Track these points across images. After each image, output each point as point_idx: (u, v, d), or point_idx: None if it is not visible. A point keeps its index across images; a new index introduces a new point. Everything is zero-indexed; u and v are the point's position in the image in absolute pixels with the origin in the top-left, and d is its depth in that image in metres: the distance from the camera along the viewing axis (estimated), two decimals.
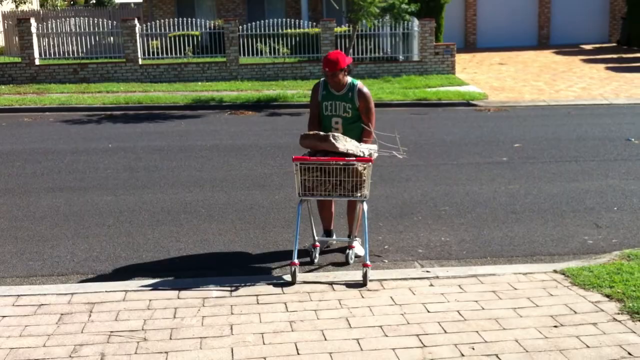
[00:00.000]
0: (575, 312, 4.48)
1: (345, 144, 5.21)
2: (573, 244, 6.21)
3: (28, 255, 6.04)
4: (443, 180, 8.53)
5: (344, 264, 5.74)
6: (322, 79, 5.80)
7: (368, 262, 5.11)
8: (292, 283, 5.07)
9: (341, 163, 5.12)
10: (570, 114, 14.12)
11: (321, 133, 5.26)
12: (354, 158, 5.14)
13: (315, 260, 5.75)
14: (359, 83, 5.70)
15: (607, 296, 4.71)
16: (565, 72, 20.28)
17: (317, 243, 5.80)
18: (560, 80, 18.75)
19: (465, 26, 28.47)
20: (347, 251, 5.71)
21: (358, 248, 5.88)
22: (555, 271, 5.26)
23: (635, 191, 7.88)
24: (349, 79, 5.65)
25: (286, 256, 5.94)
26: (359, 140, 5.61)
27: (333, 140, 5.14)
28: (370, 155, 5.32)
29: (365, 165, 5.13)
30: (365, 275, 5.05)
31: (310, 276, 5.31)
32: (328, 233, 6.09)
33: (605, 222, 6.77)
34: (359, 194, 5.22)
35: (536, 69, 21.28)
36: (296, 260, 5.13)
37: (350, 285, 5.04)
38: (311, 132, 5.32)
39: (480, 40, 28.43)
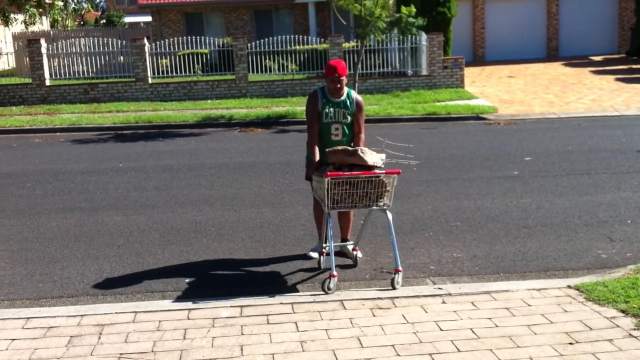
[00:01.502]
0: (591, 329, 4.41)
1: (371, 156, 5.42)
2: (587, 258, 6.13)
3: (38, 277, 6.03)
4: (454, 195, 8.47)
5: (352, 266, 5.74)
6: (317, 87, 6.05)
7: (400, 268, 5.38)
8: (325, 293, 5.23)
9: (373, 176, 5.34)
10: (580, 126, 14.05)
11: (349, 148, 5.44)
12: (384, 171, 5.39)
13: (322, 266, 5.96)
14: (353, 92, 6.02)
15: (623, 311, 4.64)
16: (575, 84, 20.21)
17: (324, 249, 5.97)
18: (570, 92, 18.68)
19: (473, 39, 28.47)
20: (394, 276, 5.44)
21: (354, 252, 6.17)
22: (569, 286, 5.19)
23: None
24: (345, 88, 5.94)
25: (297, 274, 5.91)
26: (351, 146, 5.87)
27: (362, 154, 5.36)
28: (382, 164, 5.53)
29: (393, 177, 5.40)
30: (394, 281, 5.33)
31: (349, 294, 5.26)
32: (344, 241, 6.29)
33: (619, 236, 6.69)
34: (381, 203, 5.45)
35: (545, 81, 21.22)
36: (335, 272, 5.28)
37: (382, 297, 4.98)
38: (340, 148, 5.49)
39: (489, 54, 28.42)
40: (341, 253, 6.30)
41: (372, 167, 5.40)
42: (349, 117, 5.91)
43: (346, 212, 6.13)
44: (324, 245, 6.00)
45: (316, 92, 5.95)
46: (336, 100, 5.88)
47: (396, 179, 5.46)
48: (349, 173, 5.31)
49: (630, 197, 8.13)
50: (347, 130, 5.94)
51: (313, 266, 6.08)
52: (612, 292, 4.93)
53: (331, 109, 5.86)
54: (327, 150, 5.53)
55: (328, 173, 5.28)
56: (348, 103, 5.91)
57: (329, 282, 5.28)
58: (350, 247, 6.20)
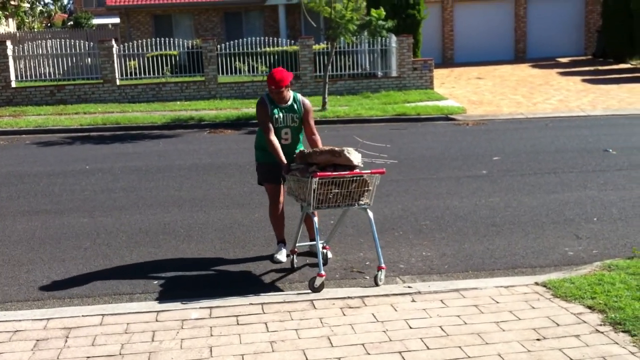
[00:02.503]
0: (558, 325, 4.45)
1: (355, 156, 5.46)
2: (554, 255, 6.20)
3: (3, 281, 5.92)
4: (423, 195, 8.51)
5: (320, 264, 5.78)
6: (263, 94, 6.09)
7: (383, 265, 5.45)
8: (318, 291, 5.25)
9: (358, 176, 5.40)
10: (548, 126, 14.23)
11: (335, 148, 5.42)
12: (369, 171, 5.47)
13: (295, 266, 5.99)
14: (299, 95, 6.14)
15: (589, 307, 4.69)
16: (542, 85, 20.47)
17: (296, 249, 6.01)
18: (538, 94, 18.91)
19: (442, 41, 28.69)
20: (377, 273, 5.48)
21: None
22: (536, 283, 5.24)
23: (614, 201, 7.92)
24: (291, 92, 6.06)
25: (267, 274, 5.88)
26: (305, 146, 6.04)
27: (348, 155, 5.39)
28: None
29: (376, 176, 5.50)
30: (377, 278, 5.44)
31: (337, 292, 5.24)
32: (312, 240, 6.22)
33: (585, 233, 6.78)
34: (363, 202, 5.53)
35: (513, 82, 21.46)
36: (322, 272, 5.28)
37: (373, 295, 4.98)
38: (326, 148, 5.48)
39: (458, 55, 28.66)
40: (310, 252, 6.30)
41: (356, 167, 5.46)
42: (298, 121, 6.05)
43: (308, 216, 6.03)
44: (297, 244, 6.00)
45: (263, 98, 6.02)
46: (284, 106, 5.99)
47: (379, 178, 5.54)
48: (337, 173, 5.35)
49: (596, 195, 8.24)
50: (295, 134, 6.09)
51: (284, 267, 6.06)
52: (579, 289, 4.99)
53: (280, 114, 5.97)
54: (313, 150, 5.53)
55: (318, 173, 5.29)
56: (295, 107, 6.04)
57: (316, 281, 5.26)
58: (320, 247, 6.18)
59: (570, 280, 5.18)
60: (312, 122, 6.12)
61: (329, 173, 5.34)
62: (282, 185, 6.15)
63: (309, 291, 5.30)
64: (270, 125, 5.91)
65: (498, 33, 28.76)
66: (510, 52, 28.96)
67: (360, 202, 5.53)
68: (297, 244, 6.03)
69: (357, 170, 5.44)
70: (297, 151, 5.85)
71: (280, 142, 5.94)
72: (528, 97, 18.34)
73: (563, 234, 6.81)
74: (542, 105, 17.09)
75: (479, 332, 4.39)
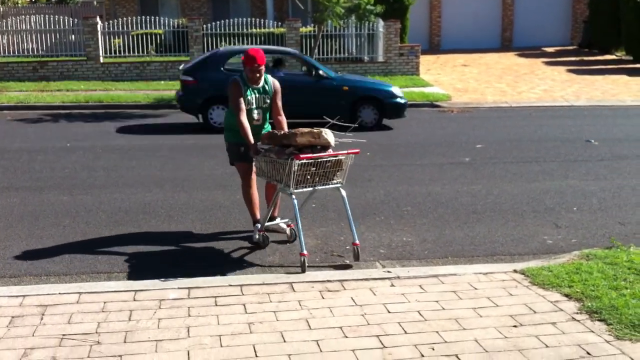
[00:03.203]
0: (535, 312, 4.48)
1: (332, 137, 5.52)
2: (533, 244, 6.24)
3: None
4: (405, 181, 8.52)
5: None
6: (237, 76, 6.06)
7: (357, 242, 5.63)
8: (302, 272, 5.31)
9: (336, 157, 5.51)
10: (531, 115, 14.28)
11: (314, 130, 5.45)
12: (346, 151, 5.56)
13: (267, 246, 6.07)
14: (269, 76, 6.17)
15: (566, 296, 4.72)
16: (527, 74, 20.52)
17: (263, 229, 6.08)
18: (523, 82, 18.96)
19: (430, 28, 28.65)
20: (354, 248, 5.70)
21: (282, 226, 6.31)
22: (515, 271, 5.27)
23: (595, 192, 7.97)
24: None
25: (246, 256, 5.87)
26: (273, 127, 6.11)
27: (326, 136, 5.45)
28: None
29: (350, 156, 5.59)
30: (355, 254, 5.65)
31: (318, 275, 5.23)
32: (273, 218, 6.33)
33: (564, 222, 6.82)
34: (336, 181, 5.66)
35: (499, 71, 21.50)
36: (305, 252, 5.35)
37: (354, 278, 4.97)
38: (306, 130, 5.48)
39: (445, 42, 28.64)
40: (273, 231, 6.31)
41: (331, 147, 5.56)
42: (268, 102, 6.13)
43: (274, 192, 6.17)
44: (266, 224, 6.08)
45: (237, 79, 6.01)
46: (256, 87, 6.03)
47: (353, 158, 5.62)
48: (318, 155, 5.43)
49: (577, 184, 8.29)
50: (265, 114, 6.17)
51: (264, 249, 6.04)
52: (557, 277, 5.02)
53: (253, 95, 6.01)
54: (294, 131, 5.50)
55: (300, 156, 5.33)
56: (267, 88, 6.10)
57: (304, 261, 5.36)
58: (283, 225, 6.28)
59: (549, 269, 5.21)
60: (279, 103, 6.20)
61: (311, 155, 5.38)
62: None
63: (289, 274, 5.30)
64: (243, 106, 5.92)
65: (485, 21, 28.76)
66: (497, 41, 28.99)
67: (334, 182, 5.65)
68: (266, 224, 6.10)
69: (333, 151, 5.54)
70: (263, 132, 5.94)
71: (251, 123, 5.97)
72: (513, 86, 18.39)
73: (543, 222, 6.84)
74: (527, 94, 17.15)
75: (456, 317, 4.41)
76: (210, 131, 12.09)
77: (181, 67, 13.41)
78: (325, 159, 5.47)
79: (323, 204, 7.34)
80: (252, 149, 5.79)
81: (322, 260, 5.81)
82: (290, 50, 14.62)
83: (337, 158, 5.53)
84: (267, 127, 6.22)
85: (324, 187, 5.63)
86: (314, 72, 12.86)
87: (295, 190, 5.48)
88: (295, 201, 5.50)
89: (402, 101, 13.05)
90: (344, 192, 5.65)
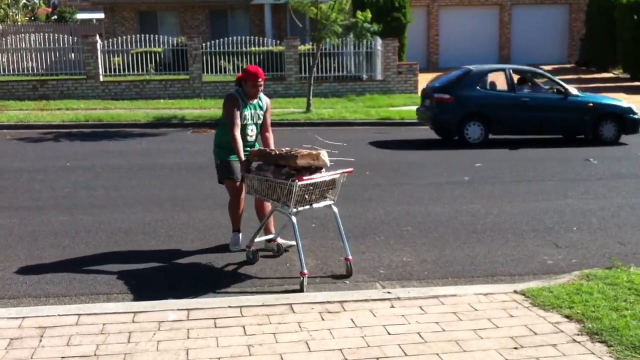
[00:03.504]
0: (535, 333, 4.47)
1: (327, 158, 5.64)
2: (533, 264, 6.23)
3: None
4: (405, 200, 8.53)
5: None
6: (234, 91, 6.19)
7: (350, 257, 5.81)
8: (301, 291, 5.42)
9: (334, 177, 5.70)
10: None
11: (313, 152, 5.55)
12: (341, 171, 5.75)
13: (257, 261, 6.16)
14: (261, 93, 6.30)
15: (567, 317, 4.71)
16: None
17: (252, 245, 6.15)
18: None
19: (427, 46, 28.82)
20: (346, 263, 5.86)
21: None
22: (515, 292, 5.25)
23: (594, 211, 7.97)
24: None
25: (246, 278, 5.85)
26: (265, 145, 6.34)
27: (323, 158, 5.57)
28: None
29: (344, 175, 5.80)
30: (348, 269, 5.80)
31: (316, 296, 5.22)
32: (269, 232, 6.45)
33: (564, 242, 6.82)
34: (329, 199, 5.79)
35: None
36: (305, 271, 5.45)
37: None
38: (305, 152, 5.54)
39: (443, 60, 28.79)
40: (263, 249, 6.45)
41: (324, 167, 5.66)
42: (261, 118, 6.30)
43: (263, 206, 6.40)
44: (257, 240, 6.16)
45: (235, 94, 6.13)
46: (251, 104, 6.18)
47: (345, 177, 5.81)
48: (319, 176, 5.58)
49: (576, 204, 8.30)
50: (257, 131, 6.33)
51: (264, 269, 6.04)
52: (557, 298, 5.01)
53: (249, 111, 6.16)
54: (293, 153, 5.54)
55: (303, 178, 5.44)
56: (261, 104, 6.27)
57: (303, 281, 5.48)
58: (269, 241, 6.42)
59: (549, 289, 5.20)
60: (269, 120, 6.38)
61: (311, 177, 5.50)
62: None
63: (288, 295, 5.28)
64: (238, 122, 6.04)
65: (483, 38, 28.95)
66: (495, 58, 29.15)
67: (327, 199, 5.78)
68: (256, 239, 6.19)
69: (332, 172, 5.69)
70: (249, 149, 6.11)
71: (245, 139, 6.13)
72: None
73: (543, 242, 6.84)
74: None
75: (457, 339, 4.39)
76: (209, 151, 12.08)
77: (426, 85, 14.26)
78: (322, 179, 5.59)
79: (323, 223, 7.34)
80: (242, 166, 5.90)
81: (322, 281, 5.79)
82: (537, 70, 15.30)
83: (331, 177, 5.67)
84: (256, 145, 6.35)
85: (318, 205, 5.73)
86: (561, 90, 13.37)
87: (295, 210, 5.53)
88: (295, 220, 5.53)
89: (638, 117, 13.53)
90: (336, 209, 5.78)
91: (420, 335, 4.45)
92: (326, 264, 6.20)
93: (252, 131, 6.21)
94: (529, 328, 4.55)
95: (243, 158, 5.92)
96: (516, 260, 6.33)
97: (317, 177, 5.52)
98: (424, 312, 4.87)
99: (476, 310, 4.89)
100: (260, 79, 6.05)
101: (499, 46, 29.00)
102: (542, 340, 4.36)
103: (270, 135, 6.33)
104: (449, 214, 7.88)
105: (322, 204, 5.75)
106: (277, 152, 5.65)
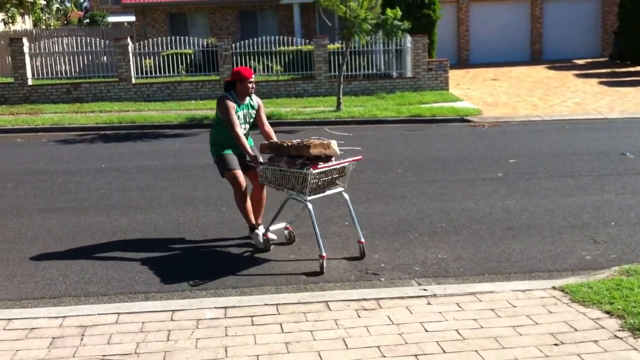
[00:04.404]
0: (576, 330, 4.41)
1: (337, 147, 6.00)
2: (571, 260, 6.15)
3: (20, 278, 5.95)
4: (438, 197, 8.47)
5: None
6: (225, 94, 6.57)
7: (362, 240, 6.18)
8: (320, 273, 5.83)
9: (345, 165, 6.05)
10: (564, 128, 14.13)
11: (325, 141, 5.92)
12: (351, 159, 6.10)
13: (271, 249, 6.50)
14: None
15: (608, 313, 4.64)
16: (558, 87, 20.34)
17: (268, 233, 6.52)
18: (554, 95, 18.80)
19: (458, 42, 28.59)
20: (359, 246, 6.26)
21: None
22: (554, 288, 5.20)
23: (632, 205, 7.84)
24: None
25: (282, 275, 5.87)
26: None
27: (334, 147, 5.94)
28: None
29: (353, 163, 6.15)
30: (361, 251, 6.20)
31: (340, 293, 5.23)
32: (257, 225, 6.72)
33: (603, 238, 6.72)
34: (340, 186, 6.18)
35: (529, 84, 21.35)
36: (324, 254, 5.84)
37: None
38: (318, 142, 5.88)
39: (473, 56, 28.55)
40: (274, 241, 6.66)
41: (331, 156, 6.01)
42: (253, 117, 6.70)
43: (260, 199, 6.77)
44: (270, 228, 6.50)
45: (228, 97, 6.51)
46: (243, 104, 6.58)
47: (354, 164, 6.15)
48: (331, 164, 5.92)
49: (614, 199, 8.17)
50: (249, 128, 6.73)
51: (299, 266, 6.05)
52: (597, 294, 4.94)
53: (242, 112, 6.56)
54: (305, 143, 5.86)
55: (318, 165, 5.78)
56: (252, 104, 6.67)
57: (323, 263, 5.86)
58: (278, 230, 6.67)
59: (588, 285, 5.14)
60: (264, 116, 6.79)
61: (325, 165, 5.86)
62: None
63: (324, 292, 5.29)
64: (237, 120, 6.42)
65: (514, 34, 28.63)
66: (526, 53, 28.82)
67: (338, 186, 6.15)
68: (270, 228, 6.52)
69: (341, 159, 6.05)
70: (250, 143, 6.59)
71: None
72: (544, 99, 18.23)
73: (580, 238, 6.75)
74: (559, 107, 16.98)
75: (495, 336, 4.36)
76: None
77: None
78: (334, 167, 5.95)
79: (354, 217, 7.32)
80: (253, 160, 6.32)
81: (357, 278, 5.79)
82: None
83: (342, 165, 6.03)
84: (250, 141, 6.71)
85: (330, 192, 6.09)
86: None
87: (309, 198, 5.88)
88: (311, 206, 5.86)
89: None
90: (346, 196, 6.16)
91: (458, 332, 4.42)
92: (361, 261, 6.19)
93: (244, 129, 6.60)
94: (569, 324, 4.50)
95: (251, 152, 6.34)
96: (554, 256, 6.26)
97: (331, 165, 5.90)
98: (461, 309, 4.84)
99: (514, 306, 4.85)
100: (251, 78, 6.50)
101: (530, 41, 28.65)
102: (582, 337, 4.30)
103: (270, 129, 6.68)
104: (483, 210, 7.81)
105: (333, 190, 6.10)
106: (289, 144, 5.98)
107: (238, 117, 6.48)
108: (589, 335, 4.32)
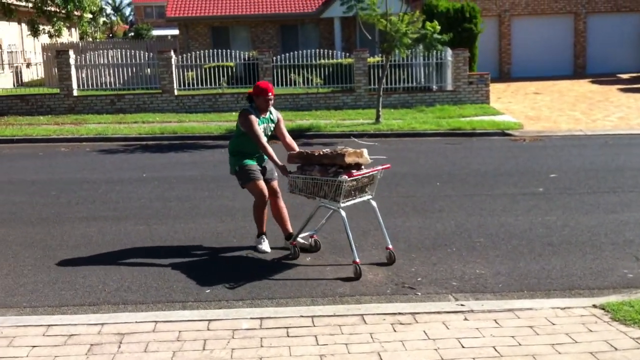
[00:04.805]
0: (616, 349, 4.32)
1: (368, 155, 6.17)
2: (612, 277, 6.03)
3: (60, 285, 6.06)
4: (477, 211, 8.39)
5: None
6: (247, 107, 6.76)
7: (390, 246, 6.36)
8: (356, 279, 5.97)
9: (376, 173, 6.23)
10: (607, 143, 13.88)
11: (357, 150, 6.10)
12: (381, 167, 6.30)
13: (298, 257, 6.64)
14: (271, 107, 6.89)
15: None
16: (601, 102, 20.01)
17: (295, 242, 6.68)
18: (597, 110, 18.50)
19: (499, 56, 28.35)
20: (388, 252, 6.41)
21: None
22: (594, 306, 5.10)
23: None
24: None
25: (318, 287, 5.87)
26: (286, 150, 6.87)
27: (366, 155, 6.14)
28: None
29: (382, 172, 6.33)
30: (391, 257, 6.37)
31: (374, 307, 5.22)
32: (289, 236, 6.87)
33: None
34: (368, 194, 6.33)
35: (572, 98, 21.04)
36: (357, 260, 6.00)
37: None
38: (351, 151, 6.05)
39: (515, 70, 28.27)
40: (302, 249, 6.76)
41: (360, 165, 6.16)
42: (272, 130, 6.92)
43: (279, 210, 6.91)
44: (301, 235, 6.68)
45: (249, 110, 6.67)
46: (263, 117, 6.77)
47: (382, 172, 6.32)
48: (364, 172, 6.11)
49: None
50: (267, 140, 6.82)
51: (337, 278, 6.04)
52: (639, 313, 4.83)
53: (262, 125, 6.74)
54: (340, 152, 6.02)
55: (353, 173, 5.96)
56: (272, 118, 6.88)
57: (356, 269, 6.02)
58: (304, 237, 6.80)
59: (630, 304, 5.03)
60: (285, 128, 6.96)
61: (358, 172, 6.02)
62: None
63: (360, 305, 5.27)
64: (262, 133, 6.62)
65: (557, 48, 28.28)
66: (569, 68, 28.44)
67: (367, 194, 6.31)
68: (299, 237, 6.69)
69: (372, 168, 6.22)
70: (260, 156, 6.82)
71: (258, 149, 6.71)
72: (587, 114, 17.95)
73: (622, 255, 6.61)
74: (602, 122, 16.70)
75: (534, 354, 4.29)
76: (282, 161, 12.21)
77: None
78: (365, 175, 6.11)
79: (392, 234, 7.29)
80: (282, 171, 6.51)
81: (393, 292, 5.76)
82: None
83: (372, 173, 6.19)
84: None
85: (360, 199, 6.23)
86: None
87: (342, 205, 6.05)
88: (344, 213, 6.02)
89: None
90: (374, 203, 6.31)
91: (496, 349, 4.37)
92: (397, 275, 6.16)
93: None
94: (610, 343, 4.41)
95: (280, 163, 6.52)
96: (595, 273, 6.14)
97: (364, 173, 6.06)
98: (499, 325, 4.78)
99: (553, 324, 4.77)
100: (270, 94, 6.65)
101: (574, 55, 28.28)
102: (622, 357, 4.21)
103: (292, 141, 6.86)
104: (522, 225, 7.71)
105: (362, 198, 6.24)
106: (321, 153, 6.16)
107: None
108: (629, 355, 4.22)
